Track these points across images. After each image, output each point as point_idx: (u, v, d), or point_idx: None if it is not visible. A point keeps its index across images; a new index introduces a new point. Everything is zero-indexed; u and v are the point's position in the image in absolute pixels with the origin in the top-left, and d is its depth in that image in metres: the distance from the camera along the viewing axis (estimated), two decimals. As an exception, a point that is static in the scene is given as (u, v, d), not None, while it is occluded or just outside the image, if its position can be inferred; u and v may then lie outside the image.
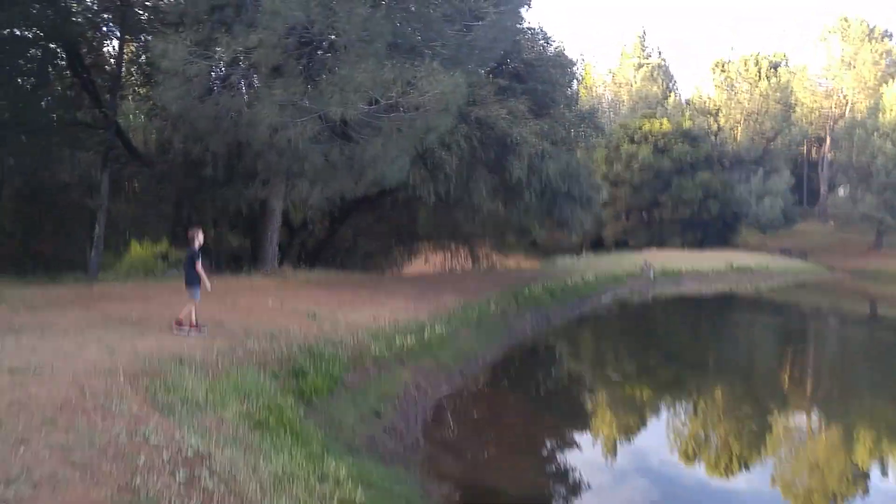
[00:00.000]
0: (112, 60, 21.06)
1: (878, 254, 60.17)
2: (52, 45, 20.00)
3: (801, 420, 13.18)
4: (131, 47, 21.50)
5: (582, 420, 12.70)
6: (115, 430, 5.19)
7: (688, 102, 77.42)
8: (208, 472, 4.97)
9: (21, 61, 19.72)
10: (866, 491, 9.37)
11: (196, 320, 9.91)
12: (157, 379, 6.95)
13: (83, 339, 8.32)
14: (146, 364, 7.46)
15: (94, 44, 21.28)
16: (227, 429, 6.26)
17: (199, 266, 9.62)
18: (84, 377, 6.40)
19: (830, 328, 27.34)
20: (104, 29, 20.95)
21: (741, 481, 9.62)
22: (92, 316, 10.22)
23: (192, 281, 9.66)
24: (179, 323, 9.74)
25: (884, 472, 10.27)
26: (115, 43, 20.79)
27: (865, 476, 10.07)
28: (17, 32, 19.06)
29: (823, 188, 75.93)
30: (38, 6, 18.18)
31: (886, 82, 65.33)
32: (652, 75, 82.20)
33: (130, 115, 25.03)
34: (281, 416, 7.26)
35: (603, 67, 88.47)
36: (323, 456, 6.64)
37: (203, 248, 10.15)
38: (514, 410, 12.20)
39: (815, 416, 13.53)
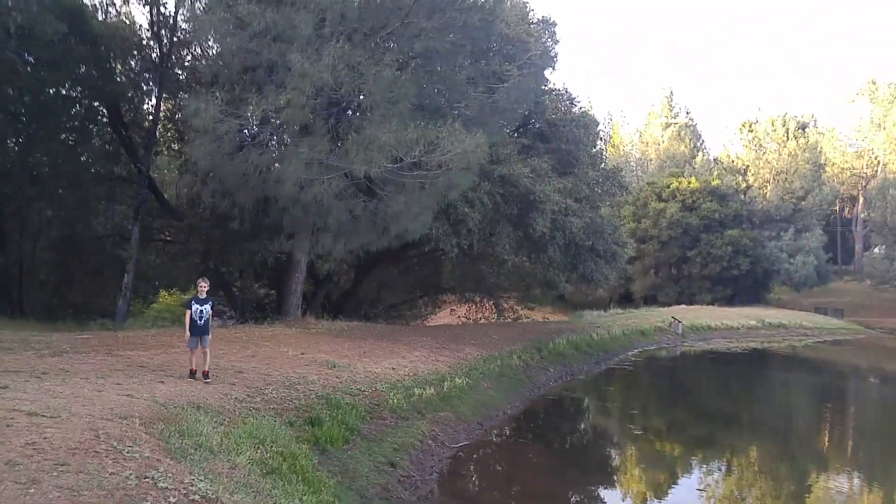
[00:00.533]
0: (149, 117, 21.98)
1: (917, 313, 58.82)
2: (94, 103, 21.02)
3: (840, 481, 12.54)
4: (168, 105, 22.42)
5: (607, 475, 12.32)
6: (125, 473, 5.22)
7: (716, 161, 77.65)
8: (214, 515, 4.97)
9: (64, 118, 20.69)
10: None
11: (191, 367, 9.82)
12: (172, 424, 6.98)
13: (103, 385, 8.42)
14: (163, 410, 7.51)
15: (135, 101, 22.36)
16: (238, 474, 6.25)
17: (186, 316, 9.56)
18: (100, 421, 6.45)
19: (868, 387, 26.47)
20: (144, 88, 21.94)
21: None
22: (114, 362, 10.36)
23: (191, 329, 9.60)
24: (192, 372, 9.80)
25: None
26: (153, 101, 21.78)
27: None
28: (63, 91, 20.03)
29: (858, 246, 74.51)
30: (83, 66, 19.17)
31: (918, 144, 65.11)
32: (679, 134, 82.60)
33: (165, 171, 25.87)
34: (294, 463, 7.25)
35: (631, 126, 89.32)
36: (334, 504, 6.60)
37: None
38: (533, 464, 11.90)
39: (854, 478, 12.93)
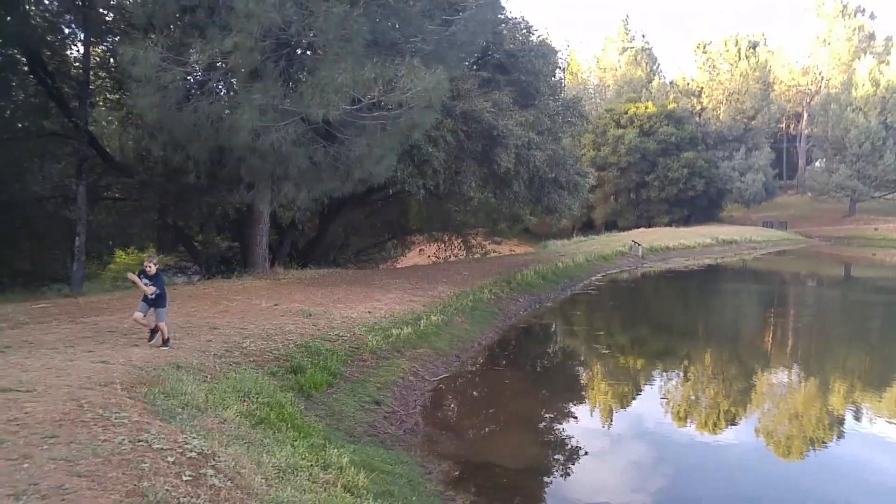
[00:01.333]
0: (78, 65, 20.23)
1: (852, 220, 64.12)
2: (10, 51, 19.05)
3: (782, 376, 14.11)
4: (98, 51, 20.81)
5: (577, 392, 12.91)
6: (118, 439, 5.10)
7: (672, 84, 78.23)
8: (213, 470, 4.95)
9: (-23, 70, 18.91)
10: (841, 435, 10.27)
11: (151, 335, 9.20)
12: (155, 387, 6.83)
13: (74, 354, 8.07)
14: (142, 373, 7.30)
15: (57, 47, 20.39)
16: (229, 428, 6.23)
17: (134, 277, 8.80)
18: (80, 391, 6.22)
19: (808, 291, 29.49)
20: (66, 31, 20.05)
21: (729, 435, 10.24)
22: (80, 329, 9.91)
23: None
24: (166, 341, 9.14)
25: (856, 417, 11.15)
26: (80, 47, 19.95)
27: (840, 421, 10.89)
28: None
29: (801, 161, 77.72)
30: (-9, 10, 17.37)
31: (859, 58, 67.09)
32: (636, 59, 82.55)
33: (104, 123, 24.39)
34: (281, 412, 7.29)
35: (588, 53, 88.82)
36: (325, 446, 6.69)
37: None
38: (509, 388, 12.31)
39: (794, 372, 14.52)
